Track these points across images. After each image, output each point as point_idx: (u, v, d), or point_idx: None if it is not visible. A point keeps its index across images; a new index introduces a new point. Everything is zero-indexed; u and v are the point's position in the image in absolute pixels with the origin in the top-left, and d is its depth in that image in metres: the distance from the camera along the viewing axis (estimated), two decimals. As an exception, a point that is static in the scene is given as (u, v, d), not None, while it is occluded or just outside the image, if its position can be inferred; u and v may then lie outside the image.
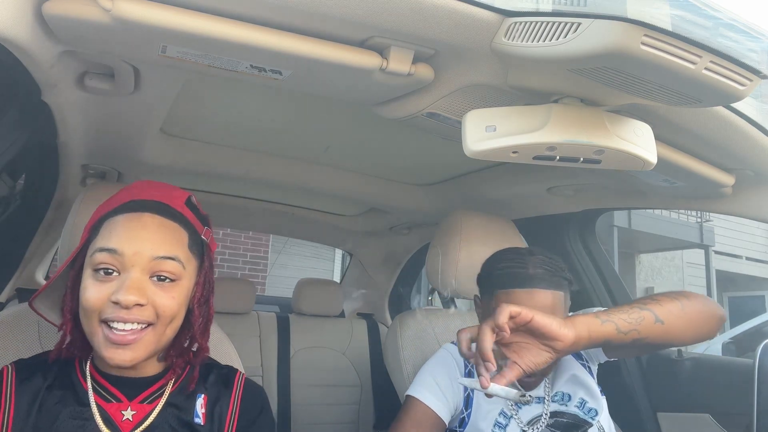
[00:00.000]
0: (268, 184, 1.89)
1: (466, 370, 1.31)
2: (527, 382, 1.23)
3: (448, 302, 2.64)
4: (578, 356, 1.33)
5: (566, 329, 0.97)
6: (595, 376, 1.33)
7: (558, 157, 0.97)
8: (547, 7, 0.79)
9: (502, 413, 1.25)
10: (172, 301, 0.89)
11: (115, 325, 0.85)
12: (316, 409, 2.34)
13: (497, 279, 1.21)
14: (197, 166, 1.71)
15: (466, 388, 1.28)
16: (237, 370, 1.09)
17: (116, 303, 0.84)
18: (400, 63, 0.92)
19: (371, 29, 0.86)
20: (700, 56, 0.73)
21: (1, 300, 1.92)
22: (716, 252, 10.62)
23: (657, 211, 9.31)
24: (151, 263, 0.88)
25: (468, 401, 1.27)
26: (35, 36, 0.83)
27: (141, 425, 0.91)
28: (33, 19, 0.81)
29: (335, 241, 3.02)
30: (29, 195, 1.65)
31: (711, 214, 9.01)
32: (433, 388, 1.27)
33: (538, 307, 1.10)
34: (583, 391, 1.27)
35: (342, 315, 2.80)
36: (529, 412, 1.25)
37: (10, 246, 1.88)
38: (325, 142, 1.65)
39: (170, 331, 0.92)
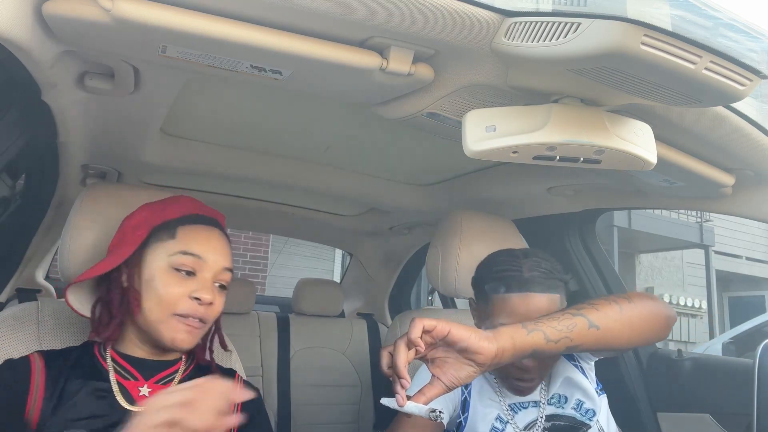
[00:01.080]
0: (268, 184, 1.89)
1: None
2: (523, 387, 1.21)
3: (448, 302, 2.64)
4: (570, 357, 1.31)
5: (486, 342, 0.93)
6: (590, 376, 1.31)
7: (558, 157, 0.97)
8: (547, 7, 0.79)
9: (499, 418, 1.23)
10: (220, 306, 1.08)
11: (190, 318, 1.02)
12: (316, 409, 2.34)
13: (492, 283, 1.19)
14: (197, 166, 1.71)
15: (462, 392, 1.26)
16: (236, 372, 1.21)
17: (197, 299, 1.02)
18: (400, 63, 0.92)
19: (371, 29, 0.86)
20: (700, 56, 0.73)
21: (1, 300, 1.92)
22: (716, 252, 10.63)
23: (657, 211, 9.31)
24: (220, 272, 1.07)
25: (465, 405, 1.25)
26: (35, 36, 0.83)
27: None
28: (33, 19, 0.81)
29: (335, 241, 3.02)
30: (29, 195, 1.65)
31: (711, 214, 9.02)
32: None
33: (534, 311, 1.11)
34: (579, 392, 1.26)
35: (342, 315, 2.80)
36: (525, 416, 1.24)
37: (10, 246, 1.88)
38: (325, 142, 1.65)
39: (208, 329, 1.10)
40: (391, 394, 0.95)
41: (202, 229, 1.09)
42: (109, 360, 1.05)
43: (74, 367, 1.02)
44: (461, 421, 1.25)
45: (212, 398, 0.79)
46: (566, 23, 0.76)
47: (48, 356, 1.03)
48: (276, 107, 1.41)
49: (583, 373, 1.30)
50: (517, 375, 1.17)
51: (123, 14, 0.79)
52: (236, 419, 0.82)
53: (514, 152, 0.95)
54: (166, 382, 1.07)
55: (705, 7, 0.73)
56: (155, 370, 1.07)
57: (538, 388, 1.26)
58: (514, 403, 1.25)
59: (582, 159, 0.98)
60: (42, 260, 2.23)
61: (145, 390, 1.03)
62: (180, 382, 1.08)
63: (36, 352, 1.03)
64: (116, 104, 1.20)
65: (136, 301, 1.03)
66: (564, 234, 1.90)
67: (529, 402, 1.25)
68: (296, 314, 2.57)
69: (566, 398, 1.26)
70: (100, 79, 1.08)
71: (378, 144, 1.65)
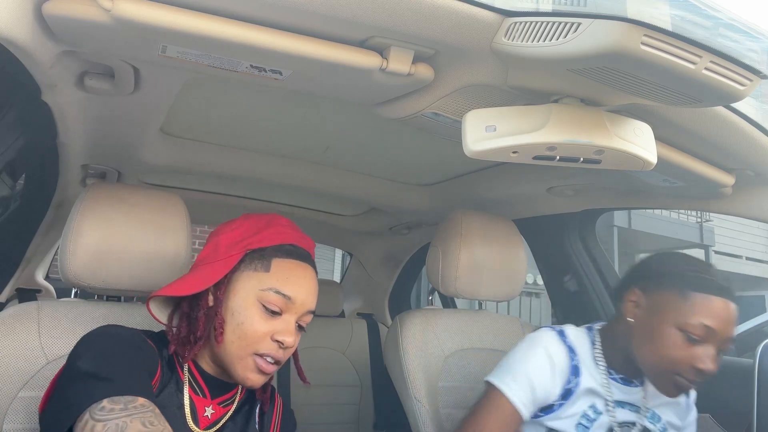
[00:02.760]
0: (268, 184, 1.89)
1: (572, 364, 1.26)
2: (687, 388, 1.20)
3: (448, 302, 2.64)
4: (686, 407, 1.34)
5: None
6: (690, 415, 1.33)
7: (558, 157, 0.97)
8: (547, 7, 0.79)
9: (593, 407, 1.24)
10: (297, 344, 1.02)
11: (268, 358, 0.97)
12: (316, 409, 2.34)
13: (695, 281, 1.16)
14: (197, 166, 1.71)
15: (569, 381, 1.24)
16: (275, 389, 1.17)
17: (279, 342, 0.97)
18: (400, 63, 0.92)
19: (371, 29, 0.86)
20: (700, 56, 0.73)
21: (1, 300, 1.92)
22: (716, 252, 10.63)
23: (657, 211, 9.31)
24: (304, 314, 1.01)
25: (567, 394, 1.24)
26: (35, 36, 0.83)
27: (216, 424, 1.01)
28: (33, 19, 0.81)
29: (335, 241, 3.02)
30: (29, 195, 1.65)
31: (711, 214, 9.01)
32: (524, 383, 1.22)
33: (732, 320, 1.13)
34: (672, 418, 1.30)
35: (342, 315, 2.80)
36: (621, 414, 1.25)
37: (10, 246, 1.88)
38: (325, 142, 1.65)
39: None
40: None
41: (297, 266, 1.02)
42: (186, 372, 1.01)
43: (164, 368, 0.99)
44: (554, 405, 1.25)
45: None
46: (566, 23, 0.76)
47: (159, 349, 0.99)
48: (276, 107, 1.41)
49: (688, 407, 1.33)
50: (692, 377, 1.15)
51: (123, 14, 0.79)
52: None
53: (514, 152, 0.95)
54: (227, 404, 1.04)
55: (705, 7, 0.73)
56: (221, 390, 1.04)
57: (642, 397, 1.27)
58: (618, 401, 1.26)
59: (582, 159, 0.98)
60: (42, 260, 2.24)
61: (209, 411, 1.01)
62: (238, 403, 1.06)
63: (148, 338, 0.99)
64: (116, 104, 1.20)
65: (221, 328, 0.98)
66: (564, 234, 1.90)
67: (628, 404, 1.27)
68: (296, 314, 2.57)
69: (659, 418, 1.28)
70: (100, 79, 1.08)
71: (378, 144, 1.65)
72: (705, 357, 1.12)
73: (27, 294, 1.98)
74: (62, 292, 2.28)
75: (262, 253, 1.01)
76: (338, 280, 3.26)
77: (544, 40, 0.78)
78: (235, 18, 0.84)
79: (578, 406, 1.24)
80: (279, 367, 1.00)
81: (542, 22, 0.78)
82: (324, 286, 2.62)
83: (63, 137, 1.29)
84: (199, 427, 0.98)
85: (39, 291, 2.13)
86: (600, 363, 1.27)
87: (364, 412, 2.42)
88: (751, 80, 0.77)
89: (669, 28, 0.70)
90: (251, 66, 0.95)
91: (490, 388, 1.25)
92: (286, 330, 0.97)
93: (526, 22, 0.81)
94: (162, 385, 0.97)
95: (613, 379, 1.26)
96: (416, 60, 0.94)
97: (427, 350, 1.53)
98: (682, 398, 1.31)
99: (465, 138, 0.94)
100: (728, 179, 1.28)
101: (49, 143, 1.33)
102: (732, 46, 0.73)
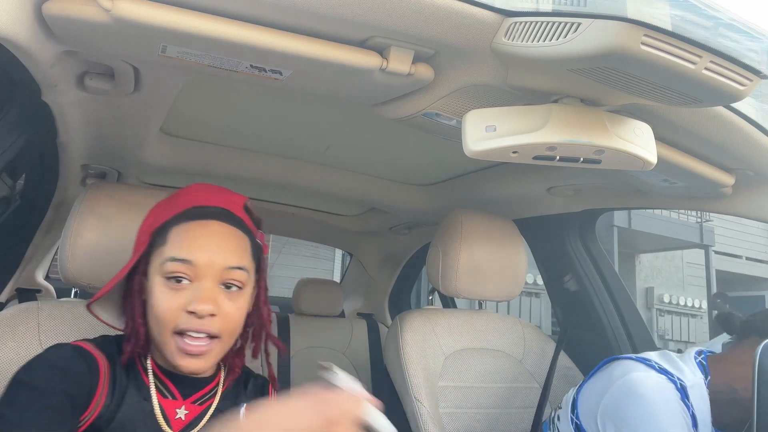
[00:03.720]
0: (268, 184, 1.89)
1: (690, 412, 1.08)
2: None
3: (448, 302, 2.64)
4: None
5: None
6: None
7: (558, 157, 0.97)
8: (547, 7, 0.79)
9: None
10: (238, 311, 0.93)
11: (189, 334, 0.88)
12: (316, 409, 2.34)
13: None
14: (197, 166, 1.71)
15: (689, 409, 1.07)
16: (250, 370, 1.10)
17: (192, 312, 0.87)
18: (400, 63, 0.92)
19: (371, 29, 0.86)
20: (700, 56, 0.73)
21: (1, 300, 1.92)
22: (716, 252, 10.62)
23: (657, 211, 9.31)
24: (222, 273, 0.91)
25: (694, 420, 1.08)
26: (35, 36, 0.83)
27: (194, 427, 0.94)
28: (33, 19, 0.81)
29: (335, 241, 3.02)
30: (29, 195, 1.65)
31: (711, 214, 9.01)
32: None
33: None
34: None
35: (342, 315, 2.80)
36: None
37: (10, 246, 1.88)
38: (325, 142, 1.65)
39: (233, 340, 0.96)
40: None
41: (196, 226, 0.92)
42: (150, 374, 0.94)
43: (124, 374, 0.93)
44: None
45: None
46: (566, 23, 0.76)
47: (108, 356, 0.93)
48: (276, 107, 1.41)
49: None
50: None
51: (123, 14, 0.79)
52: None
53: (514, 152, 0.95)
54: (204, 401, 0.96)
55: (705, 7, 0.73)
56: (194, 388, 0.96)
57: None
58: None
59: (582, 159, 0.98)
60: (42, 260, 2.23)
61: (182, 412, 0.93)
62: (221, 396, 0.98)
63: (93, 346, 0.92)
64: (116, 104, 1.20)
65: (140, 319, 0.93)
66: (564, 234, 1.90)
67: None
68: (296, 314, 2.57)
69: None
70: (100, 79, 1.08)
71: (378, 144, 1.65)
72: None
73: (27, 294, 1.98)
74: (62, 292, 2.28)
75: (162, 228, 0.94)
76: (338, 280, 3.26)
77: (544, 40, 0.78)
78: (235, 18, 0.84)
79: None
80: (214, 344, 0.90)
81: (542, 22, 0.78)
82: (324, 286, 2.65)
83: (63, 137, 1.29)
84: (172, 430, 0.91)
85: (39, 291, 2.13)
86: (705, 400, 1.09)
87: (364, 412, 2.42)
88: (751, 80, 0.77)
89: (669, 28, 0.70)
90: (251, 66, 0.95)
91: None
92: (196, 297, 0.87)
93: (526, 22, 0.81)
94: (119, 395, 0.90)
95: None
96: (416, 60, 0.94)
97: (427, 350, 1.53)
98: None
99: (465, 138, 0.94)
100: (728, 179, 1.28)
101: (49, 143, 1.33)
102: (732, 46, 0.73)
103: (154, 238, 0.94)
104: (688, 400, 1.08)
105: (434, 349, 1.55)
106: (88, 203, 1.24)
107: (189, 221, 0.93)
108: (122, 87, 1.10)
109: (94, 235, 1.20)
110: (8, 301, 1.96)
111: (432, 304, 2.06)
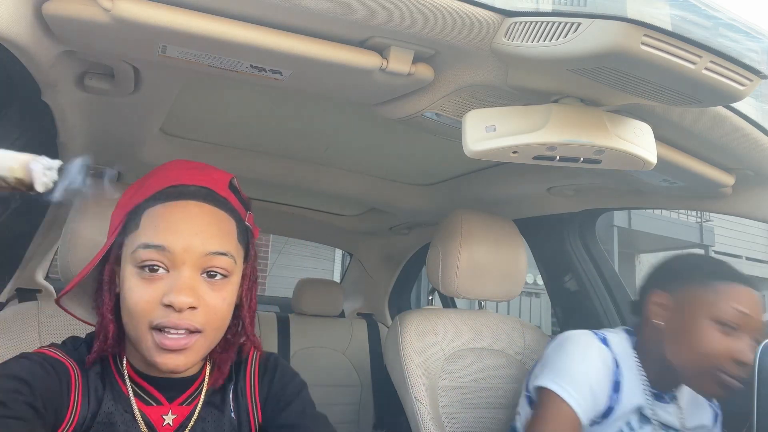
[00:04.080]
0: (268, 184, 1.89)
1: (615, 380, 1.22)
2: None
3: (448, 302, 2.64)
4: (714, 419, 1.33)
5: None
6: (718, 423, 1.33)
7: (558, 157, 0.97)
8: (547, 7, 0.79)
9: (629, 424, 1.21)
10: (223, 302, 0.82)
11: (167, 330, 0.77)
12: (316, 409, 2.34)
13: (721, 272, 1.17)
14: (197, 166, 1.71)
15: (611, 397, 1.20)
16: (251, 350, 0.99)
17: (169, 306, 0.77)
18: (400, 63, 0.92)
19: (371, 29, 0.86)
20: (700, 56, 0.73)
21: (1, 300, 1.92)
22: (716, 252, 10.62)
23: (657, 211, 9.31)
24: (203, 259, 0.80)
25: (608, 412, 1.20)
26: (35, 36, 0.83)
27: (183, 429, 0.86)
28: (33, 19, 0.81)
29: (335, 241, 3.02)
30: (29, 195, 1.65)
31: (711, 214, 9.01)
32: (586, 393, 1.17)
33: (761, 307, 1.14)
34: (706, 425, 1.30)
35: (342, 315, 2.80)
36: (665, 416, 1.23)
37: (10, 246, 1.87)
38: (325, 142, 1.65)
39: (219, 334, 0.85)
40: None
41: (172, 207, 0.81)
42: (127, 380, 0.85)
43: (98, 379, 0.84)
44: (612, 405, 1.21)
45: None
46: (566, 23, 0.76)
47: (78, 360, 0.84)
48: (276, 107, 1.41)
49: (716, 419, 1.32)
50: (735, 371, 1.14)
51: (123, 14, 0.79)
52: None
53: (514, 152, 0.95)
54: (192, 400, 0.88)
55: (705, 7, 0.73)
56: (179, 391, 0.87)
57: (677, 415, 1.26)
58: (661, 424, 1.24)
59: (582, 159, 0.98)
60: (42, 260, 2.23)
61: (169, 418, 0.85)
62: (207, 393, 0.90)
63: (67, 358, 0.83)
64: (116, 104, 1.20)
65: (109, 315, 0.84)
66: (564, 234, 1.90)
67: (665, 425, 1.24)
68: (296, 314, 2.57)
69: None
70: (100, 79, 1.08)
71: (378, 144, 1.65)
72: (744, 348, 1.11)
73: (27, 294, 1.98)
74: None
75: (135, 211, 0.83)
76: (338, 280, 3.26)
77: (544, 40, 0.78)
78: (235, 18, 0.84)
79: (615, 426, 1.19)
80: (195, 339, 0.79)
81: (542, 22, 0.78)
82: (324, 286, 2.65)
83: (63, 137, 1.29)
84: None
85: (39, 291, 2.13)
86: (642, 376, 1.22)
87: (364, 412, 2.42)
88: (751, 80, 0.77)
89: (669, 28, 0.70)
90: (251, 66, 0.95)
91: (549, 395, 1.18)
92: (172, 288, 0.77)
93: (526, 22, 0.81)
94: (94, 404, 0.82)
95: (645, 387, 1.23)
96: (416, 60, 0.94)
97: (427, 350, 1.53)
98: (711, 419, 1.30)
99: (465, 138, 0.94)
100: (728, 179, 1.28)
101: (49, 143, 1.33)
102: (732, 46, 0.73)
103: (126, 222, 0.84)
104: (612, 349, 1.22)
105: (434, 349, 1.55)
106: (88, 203, 1.24)
107: (164, 202, 0.82)
108: (122, 87, 1.10)
109: (94, 235, 1.21)
110: (8, 301, 1.97)
111: (432, 304, 2.06)
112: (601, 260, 1.90)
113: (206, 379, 0.90)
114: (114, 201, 1.24)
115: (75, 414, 0.79)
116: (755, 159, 1.18)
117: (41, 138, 1.27)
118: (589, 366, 1.19)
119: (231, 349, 0.92)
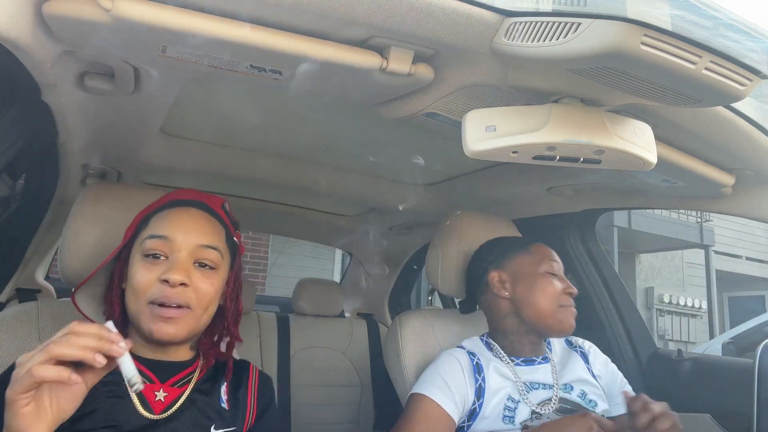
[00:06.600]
0: (268, 184, 1.89)
1: (474, 363, 1.34)
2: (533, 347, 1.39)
3: (448, 302, 2.64)
4: (573, 346, 1.49)
5: None
6: (595, 364, 1.45)
7: (558, 157, 0.97)
8: (547, 7, 0.79)
9: (510, 398, 1.30)
10: (211, 287, 1.01)
11: (162, 303, 0.95)
12: (316, 409, 2.34)
13: (521, 241, 1.45)
14: (197, 166, 1.71)
15: (477, 379, 1.32)
16: (249, 363, 1.18)
17: (165, 281, 0.95)
18: (400, 63, 0.92)
19: (371, 29, 0.86)
20: (700, 56, 0.73)
21: (1, 300, 1.92)
22: (716, 252, 10.62)
23: (657, 211, 9.31)
24: (196, 250, 1.00)
25: (480, 391, 1.30)
26: (35, 36, 0.83)
27: (172, 406, 0.99)
28: (33, 19, 0.81)
29: (335, 241, 3.02)
30: (29, 195, 1.65)
31: (711, 214, 9.01)
32: (442, 386, 1.28)
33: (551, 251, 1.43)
34: (585, 385, 1.37)
35: (342, 315, 2.80)
36: (536, 395, 1.32)
37: (10, 246, 1.88)
38: (325, 141, 1.65)
39: (206, 317, 1.02)
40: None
41: (176, 210, 1.04)
42: None
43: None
44: (476, 407, 1.29)
45: (85, 336, 0.76)
46: (566, 23, 0.76)
47: None
48: (276, 107, 1.41)
49: (587, 362, 1.43)
50: (570, 302, 1.36)
51: (123, 14, 0.79)
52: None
53: (514, 152, 0.95)
54: (183, 384, 1.02)
55: (705, 7, 0.73)
56: (170, 373, 1.02)
57: (551, 373, 1.37)
58: (528, 382, 1.33)
59: (582, 159, 0.98)
60: (42, 260, 2.23)
61: (161, 395, 0.99)
62: (197, 382, 1.04)
63: None
64: (116, 104, 1.20)
65: (117, 299, 1.01)
66: (564, 234, 1.90)
67: (539, 384, 1.34)
68: (296, 314, 2.57)
69: (572, 387, 1.36)
70: (100, 79, 1.08)
71: (378, 144, 1.65)
72: (566, 284, 1.37)
73: (27, 294, 1.98)
74: (62, 292, 2.28)
75: (146, 217, 1.05)
76: (338, 280, 3.26)
77: (544, 40, 0.78)
78: (235, 18, 0.84)
79: (497, 400, 1.29)
80: (185, 313, 0.96)
81: (542, 22, 0.79)
82: (324, 286, 2.65)
83: (63, 137, 1.29)
84: (153, 413, 0.96)
85: (39, 291, 2.13)
86: (498, 352, 1.38)
87: (364, 412, 2.42)
88: (751, 80, 0.77)
89: (669, 28, 0.70)
90: (251, 66, 0.95)
91: (414, 397, 1.30)
92: (170, 268, 0.96)
93: (526, 22, 0.81)
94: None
95: (517, 365, 1.36)
96: (416, 60, 0.94)
97: (426, 350, 1.53)
98: (581, 363, 1.43)
99: (465, 138, 0.94)
100: (728, 179, 1.28)
101: (49, 143, 1.33)
102: (732, 46, 0.74)
103: (138, 228, 1.05)
104: (464, 346, 1.41)
105: (434, 350, 1.54)
106: (88, 203, 1.24)
107: (170, 208, 1.05)
108: (122, 87, 1.10)
109: (94, 234, 1.21)
110: (8, 301, 1.97)
111: (432, 305, 2.06)
112: (601, 260, 1.90)
113: (197, 371, 1.06)
114: (114, 201, 1.25)
115: None
116: (755, 159, 1.18)
117: (41, 138, 1.27)
118: (440, 365, 1.35)
119: (217, 344, 1.10)
